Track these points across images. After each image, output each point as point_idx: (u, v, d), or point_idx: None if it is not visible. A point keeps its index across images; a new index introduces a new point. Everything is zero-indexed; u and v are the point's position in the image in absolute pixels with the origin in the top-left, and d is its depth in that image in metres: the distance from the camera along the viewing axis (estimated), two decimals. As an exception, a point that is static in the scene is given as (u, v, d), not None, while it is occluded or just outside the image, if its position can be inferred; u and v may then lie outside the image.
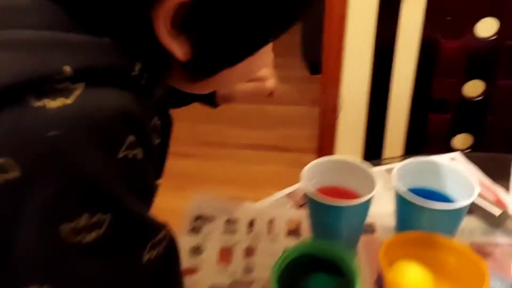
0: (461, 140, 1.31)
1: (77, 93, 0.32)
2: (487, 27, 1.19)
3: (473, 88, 1.25)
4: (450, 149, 1.33)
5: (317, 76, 1.94)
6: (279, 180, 1.99)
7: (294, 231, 0.68)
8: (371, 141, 1.42)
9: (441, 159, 0.87)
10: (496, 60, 1.22)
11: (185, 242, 0.66)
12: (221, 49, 0.40)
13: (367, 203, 0.56)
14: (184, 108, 0.63)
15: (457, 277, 0.52)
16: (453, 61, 1.23)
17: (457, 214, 0.55)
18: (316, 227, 0.61)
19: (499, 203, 0.72)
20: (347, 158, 0.63)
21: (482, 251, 0.64)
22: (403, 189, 0.56)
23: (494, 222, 0.66)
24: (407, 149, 1.35)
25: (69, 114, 0.31)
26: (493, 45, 1.19)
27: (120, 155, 0.33)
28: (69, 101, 0.31)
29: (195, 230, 0.68)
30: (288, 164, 2.05)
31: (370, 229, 0.68)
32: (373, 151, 1.43)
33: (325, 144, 1.94)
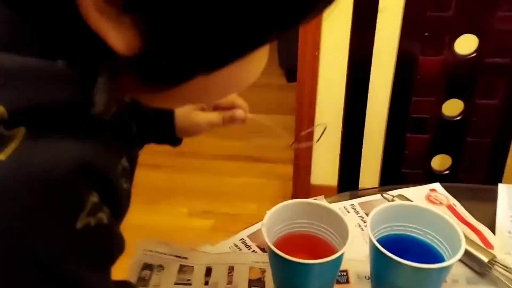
0: (440, 161, 1.25)
1: (14, 144, 0.22)
2: (466, 44, 1.14)
3: (452, 107, 1.20)
4: (429, 170, 1.27)
5: (294, 83, 1.89)
6: (254, 192, 1.93)
7: (257, 281, 0.60)
8: (347, 159, 1.35)
9: (421, 191, 0.80)
10: (475, 78, 1.16)
11: (130, 297, 0.57)
12: (191, 43, 0.25)
13: (339, 259, 0.48)
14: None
15: None
16: (431, 79, 1.17)
17: (439, 272, 0.48)
18: (280, 283, 0.52)
19: (486, 245, 0.65)
20: (316, 202, 0.55)
21: (468, 305, 0.56)
22: (377, 240, 0.48)
23: (482, 269, 0.59)
24: (384, 169, 1.29)
25: (2, 176, 0.22)
26: (473, 62, 1.13)
27: (79, 224, 0.24)
28: (2, 156, 0.22)
29: (143, 280, 0.59)
30: (264, 175, 1.98)
31: (343, 279, 0.60)
32: (349, 170, 1.36)
33: (301, 155, 1.87)
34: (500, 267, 0.58)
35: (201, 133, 0.58)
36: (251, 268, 0.61)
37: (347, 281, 0.59)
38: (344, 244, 0.48)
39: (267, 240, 0.49)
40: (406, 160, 1.26)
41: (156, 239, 0.62)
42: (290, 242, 0.55)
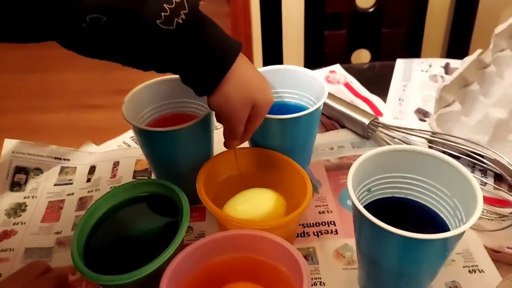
0: (359, 56, 1.24)
1: None
2: None
3: (365, -1, 1.17)
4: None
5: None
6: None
7: (143, 172, 0.58)
8: (270, 57, 1.32)
9: (321, 72, 0.79)
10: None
11: (5, 199, 0.54)
12: None
13: (203, 124, 0.46)
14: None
15: (286, 188, 0.46)
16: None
17: (304, 122, 0.47)
18: (151, 161, 0.50)
19: (376, 113, 0.65)
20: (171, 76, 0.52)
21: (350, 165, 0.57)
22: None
23: (364, 131, 0.59)
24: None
25: None
26: None
27: None
28: None
29: (18, 185, 0.56)
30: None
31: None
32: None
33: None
34: (381, 127, 0.58)
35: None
36: (137, 161, 0.59)
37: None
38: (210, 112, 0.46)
39: (128, 119, 0.46)
40: (327, 58, 1.25)
41: (29, 141, 0.58)
42: (163, 122, 0.52)
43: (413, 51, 1.26)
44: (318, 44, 1.25)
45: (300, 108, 0.52)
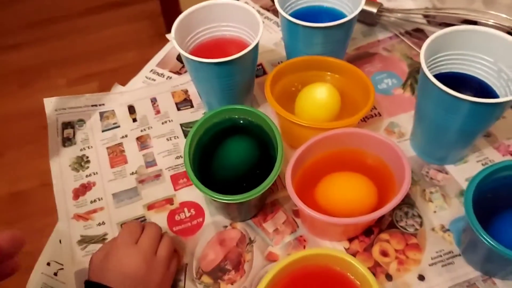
0: None
1: None
2: None
3: None
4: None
5: None
6: (128, 39, 1.78)
7: (183, 102, 0.60)
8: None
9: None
10: None
11: (64, 156, 0.55)
12: None
13: (253, 51, 0.48)
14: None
15: (346, 92, 0.51)
16: None
17: (343, 29, 0.51)
18: (205, 89, 0.53)
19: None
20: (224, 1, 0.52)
21: (368, 53, 0.63)
22: (284, 12, 0.50)
23: (373, 19, 0.64)
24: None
25: None
26: None
27: None
28: None
29: (69, 140, 0.56)
30: (137, 18, 1.84)
31: (261, 72, 0.62)
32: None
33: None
34: (386, 13, 0.64)
35: None
36: (173, 93, 0.61)
37: (264, 72, 0.62)
38: (257, 34, 0.48)
39: (179, 49, 0.47)
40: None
41: (63, 96, 0.57)
42: (207, 47, 0.54)
43: None
44: None
45: (329, 11, 0.55)
